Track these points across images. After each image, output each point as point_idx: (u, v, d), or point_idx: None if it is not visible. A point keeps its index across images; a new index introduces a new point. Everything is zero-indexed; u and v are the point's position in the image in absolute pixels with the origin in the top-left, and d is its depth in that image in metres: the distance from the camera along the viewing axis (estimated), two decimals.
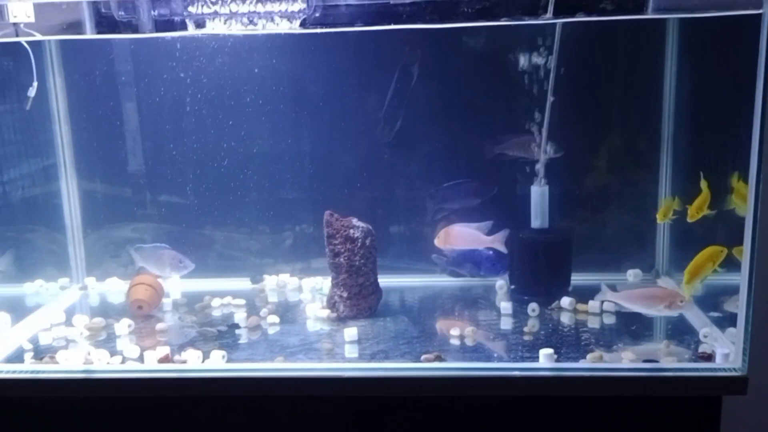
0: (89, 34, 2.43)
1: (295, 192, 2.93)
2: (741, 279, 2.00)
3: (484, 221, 2.59)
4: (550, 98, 2.56)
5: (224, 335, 2.42)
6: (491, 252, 2.55)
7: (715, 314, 2.35)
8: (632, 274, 2.76)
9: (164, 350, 2.22)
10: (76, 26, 2.43)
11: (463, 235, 2.62)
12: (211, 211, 2.93)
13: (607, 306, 2.48)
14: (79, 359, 2.22)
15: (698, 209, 2.37)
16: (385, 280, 2.65)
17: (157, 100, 2.82)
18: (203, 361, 2.20)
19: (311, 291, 2.83)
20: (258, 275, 2.93)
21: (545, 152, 2.60)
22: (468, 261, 2.57)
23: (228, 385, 2.11)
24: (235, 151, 2.87)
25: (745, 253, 1.99)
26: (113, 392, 2.15)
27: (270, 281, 2.92)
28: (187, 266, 2.68)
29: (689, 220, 2.39)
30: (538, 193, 2.62)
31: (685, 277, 2.31)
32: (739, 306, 2.02)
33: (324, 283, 2.79)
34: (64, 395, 2.17)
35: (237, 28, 2.40)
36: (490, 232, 2.57)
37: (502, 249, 2.58)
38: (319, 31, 2.45)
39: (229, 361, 2.20)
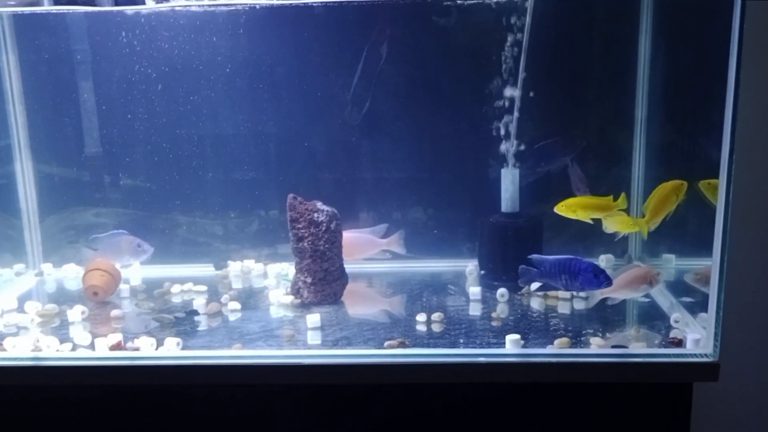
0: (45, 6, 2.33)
1: (262, 176, 2.84)
2: (713, 262, 1.94)
3: (378, 224, 2.56)
4: (521, 77, 2.49)
5: (182, 322, 2.34)
6: (589, 262, 2.16)
7: (687, 299, 2.29)
8: (604, 260, 2.70)
9: (116, 337, 2.13)
10: (33, 4, 2.34)
11: (355, 242, 2.52)
12: (175, 196, 2.83)
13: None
14: (27, 346, 2.13)
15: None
16: (352, 266, 2.57)
17: (117, 79, 2.72)
18: (156, 349, 2.11)
19: (276, 277, 2.75)
20: (222, 261, 2.85)
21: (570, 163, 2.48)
22: (564, 272, 2.14)
23: (181, 373, 2.02)
24: (198, 133, 2.78)
25: (716, 236, 1.93)
26: (62, 380, 2.06)
27: (234, 267, 2.83)
28: (146, 250, 2.58)
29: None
30: (509, 177, 2.55)
31: (648, 214, 2.25)
32: (710, 291, 1.96)
33: (290, 269, 2.70)
34: (11, 383, 2.08)
35: (199, 3, 2.31)
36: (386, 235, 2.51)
37: (401, 250, 2.52)
38: (283, 3, 2.38)
39: (184, 348, 2.12)
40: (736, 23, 1.81)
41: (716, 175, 1.95)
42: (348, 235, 2.52)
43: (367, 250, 2.55)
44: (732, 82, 1.83)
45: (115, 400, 2.09)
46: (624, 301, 2.36)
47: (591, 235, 2.68)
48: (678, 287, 2.36)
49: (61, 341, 2.16)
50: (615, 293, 2.22)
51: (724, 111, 1.87)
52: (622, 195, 2.27)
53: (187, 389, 2.07)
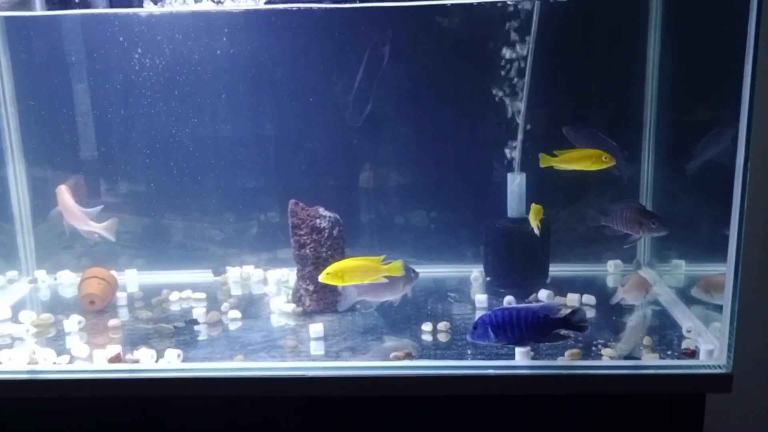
0: (38, 11, 2.27)
1: (261, 179, 2.79)
2: (727, 270, 1.89)
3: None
4: (527, 78, 2.44)
5: (181, 332, 2.28)
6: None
7: (700, 307, 2.25)
8: (612, 265, 2.66)
9: (115, 349, 2.07)
10: (24, 4, 2.27)
11: (70, 209, 2.46)
12: (171, 199, 2.77)
13: (586, 299, 2.38)
14: (23, 359, 2.07)
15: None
16: None
17: (111, 81, 2.66)
18: (156, 361, 2.05)
19: (276, 283, 2.69)
20: (221, 267, 2.79)
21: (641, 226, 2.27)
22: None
23: (183, 386, 1.97)
24: (196, 135, 2.71)
25: (730, 244, 1.88)
26: (60, 393, 2.01)
27: (233, 273, 2.77)
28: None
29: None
30: (515, 181, 2.50)
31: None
32: (724, 300, 1.92)
33: (290, 275, 2.65)
34: (7, 397, 2.02)
35: (197, 6, 2.24)
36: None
37: (110, 237, 2.44)
38: (284, 7, 2.32)
39: (184, 360, 2.07)
40: (752, 20, 1.75)
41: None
42: (69, 200, 2.46)
43: (77, 223, 2.46)
44: (748, 82, 1.78)
45: (115, 413, 2.04)
46: (633, 310, 2.32)
47: (599, 242, 2.64)
48: (689, 295, 2.31)
49: (58, 353, 2.11)
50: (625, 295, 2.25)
51: (739, 112, 1.82)
52: (399, 263, 2.13)
53: (188, 402, 2.02)
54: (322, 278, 2.09)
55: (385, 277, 2.13)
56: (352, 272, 2.07)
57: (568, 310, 1.92)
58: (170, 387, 1.97)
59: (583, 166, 2.28)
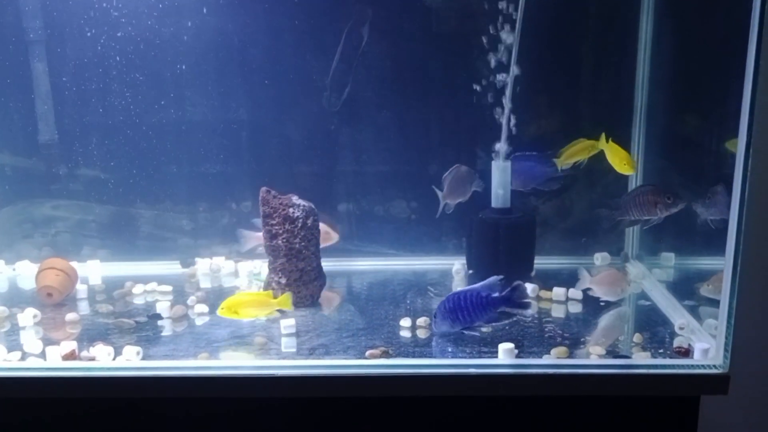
0: None
1: (233, 166, 2.66)
2: (725, 264, 1.78)
3: None
4: (513, 69, 2.33)
5: (144, 327, 2.15)
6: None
7: (691, 303, 2.15)
8: (599, 258, 2.56)
9: (70, 345, 1.93)
10: None
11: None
12: (138, 187, 2.64)
13: (573, 294, 2.27)
14: None
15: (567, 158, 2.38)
16: (330, 264, 2.40)
17: (74, 60, 2.51)
18: (114, 358, 1.92)
19: (248, 276, 2.58)
20: (189, 258, 2.66)
21: None
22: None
23: (142, 386, 1.83)
24: (164, 119, 2.58)
25: (729, 236, 1.77)
26: (10, 393, 1.87)
27: (203, 265, 2.65)
28: None
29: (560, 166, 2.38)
30: (500, 170, 2.39)
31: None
32: (722, 295, 1.80)
33: (263, 267, 2.53)
34: None
35: None
36: None
37: None
38: None
39: (144, 358, 1.93)
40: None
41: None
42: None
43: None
44: (751, 66, 1.66)
45: (68, 415, 1.91)
46: (620, 305, 2.21)
47: (586, 233, 2.54)
48: (680, 289, 2.21)
49: (9, 349, 1.97)
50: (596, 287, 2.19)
51: (738, 100, 1.71)
52: (287, 295, 2.18)
53: (147, 403, 1.89)
54: (219, 312, 2.12)
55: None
56: (246, 306, 2.13)
57: (509, 288, 1.97)
58: (127, 387, 1.83)
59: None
